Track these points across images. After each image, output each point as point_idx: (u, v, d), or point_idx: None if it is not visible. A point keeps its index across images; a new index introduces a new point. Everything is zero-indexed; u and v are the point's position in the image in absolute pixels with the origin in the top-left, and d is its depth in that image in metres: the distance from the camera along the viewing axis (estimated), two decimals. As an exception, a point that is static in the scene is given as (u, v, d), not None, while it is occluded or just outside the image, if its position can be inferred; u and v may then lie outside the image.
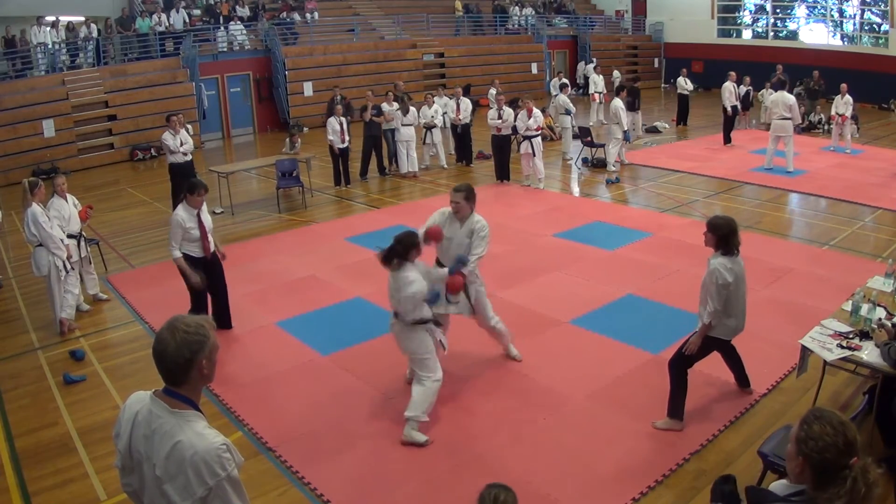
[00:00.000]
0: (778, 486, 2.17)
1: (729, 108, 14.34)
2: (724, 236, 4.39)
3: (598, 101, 17.97)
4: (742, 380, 5.06)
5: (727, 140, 14.56)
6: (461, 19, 24.16)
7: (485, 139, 13.06)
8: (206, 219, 6.18)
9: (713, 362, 5.44)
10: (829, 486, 1.97)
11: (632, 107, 15.12)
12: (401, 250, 4.59)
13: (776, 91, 14.79)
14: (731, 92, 14.22)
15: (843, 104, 13.41)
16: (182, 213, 6.02)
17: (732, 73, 14.75)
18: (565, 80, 15.98)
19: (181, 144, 9.95)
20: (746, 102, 16.64)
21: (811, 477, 2.03)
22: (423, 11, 23.37)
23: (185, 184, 6.08)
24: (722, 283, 4.34)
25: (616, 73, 21.41)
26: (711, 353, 4.70)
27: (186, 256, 6.07)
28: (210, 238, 6.20)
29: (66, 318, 6.66)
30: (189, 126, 11.48)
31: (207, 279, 6.18)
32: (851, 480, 1.93)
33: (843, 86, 13.60)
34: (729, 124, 14.57)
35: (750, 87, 16.34)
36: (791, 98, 12.08)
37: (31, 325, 6.94)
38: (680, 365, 4.62)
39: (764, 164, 12.16)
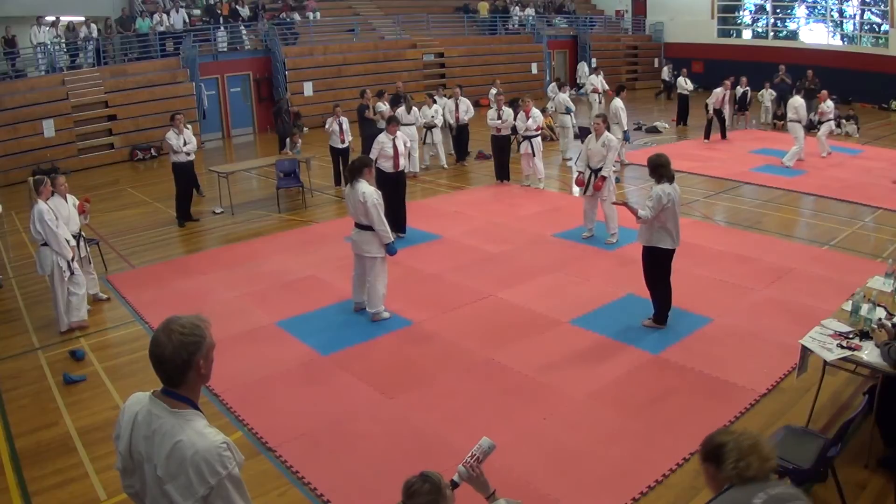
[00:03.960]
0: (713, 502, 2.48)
1: (710, 111, 15.18)
2: (654, 167, 5.68)
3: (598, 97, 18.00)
4: (659, 314, 6.01)
5: (706, 137, 15.41)
6: (484, 20, 24.19)
7: (485, 139, 13.07)
8: (399, 144, 8.76)
9: (713, 362, 5.45)
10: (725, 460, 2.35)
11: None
12: (355, 168, 6.27)
13: (777, 92, 16.00)
14: (717, 98, 15.07)
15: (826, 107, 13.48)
16: (383, 137, 8.69)
17: (727, 82, 15.59)
18: (563, 80, 16.02)
19: (184, 144, 9.95)
20: (744, 103, 16.71)
21: (714, 468, 2.40)
22: (423, 11, 23.38)
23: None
24: (655, 200, 5.59)
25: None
26: (668, 264, 5.84)
27: (378, 171, 8.19)
28: (402, 159, 8.78)
29: (76, 322, 6.64)
30: (189, 126, 11.47)
31: (394, 189, 8.44)
32: (734, 440, 2.36)
33: (824, 92, 13.83)
34: (708, 124, 15.46)
35: (747, 88, 16.42)
36: (797, 101, 12.79)
37: (31, 325, 6.94)
38: (649, 282, 5.95)
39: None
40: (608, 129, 8.50)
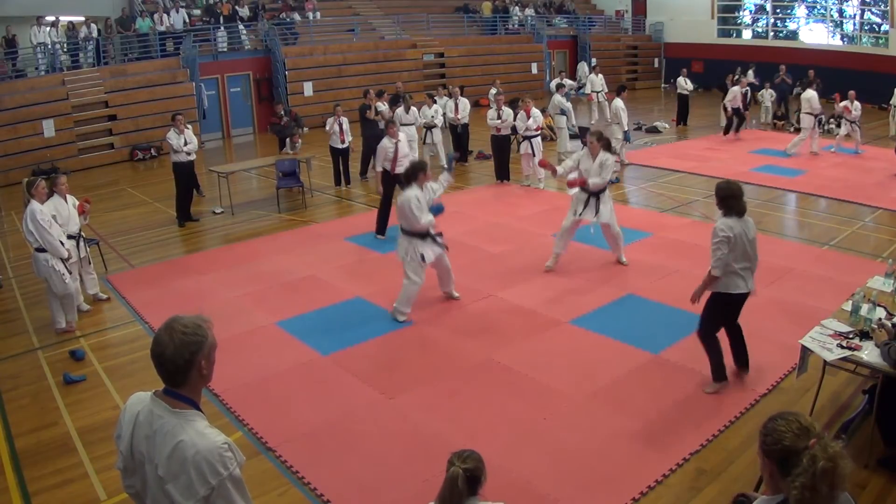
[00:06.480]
0: (760, 500, 2.19)
1: (729, 109, 15.44)
2: (722, 199, 4.84)
3: (594, 100, 18.08)
4: (741, 361, 5.25)
5: (725, 132, 15.68)
6: (483, 20, 24.28)
7: (485, 139, 13.08)
8: (402, 146, 9.06)
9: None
10: (792, 472, 1.99)
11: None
12: (409, 173, 6.38)
13: (777, 92, 16.74)
14: (734, 96, 15.32)
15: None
16: (386, 142, 9.00)
17: (743, 80, 16.03)
18: (562, 81, 16.02)
19: (185, 144, 9.95)
20: (744, 103, 16.74)
21: (778, 472, 2.05)
22: (423, 11, 23.38)
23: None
24: (716, 239, 4.73)
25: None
26: (728, 312, 5.03)
27: (384, 171, 8.96)
28: (399, 163, 8.77)
29: (67, 328, 6.65)
30: (189, 126, 11.49)
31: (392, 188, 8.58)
32: (809, 458, 1.95)
33: (837, 95, 14.10)
34: (728, 122, 15.70)
35: (747, 88, 16.46)
36: (809, 93, 13.52)
37: (31, 325, 6.94)
38: (707, 332, 5.03)
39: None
40: (605, 147, 7.51)
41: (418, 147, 12.88)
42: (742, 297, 4.95)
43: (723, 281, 4.83)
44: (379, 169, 9.21)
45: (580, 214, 7.45)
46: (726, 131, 15.63)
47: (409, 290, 6.44)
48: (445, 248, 6.57)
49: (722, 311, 4.98)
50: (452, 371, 5.56)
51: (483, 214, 9.97)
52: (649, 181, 11.81)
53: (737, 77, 16.95)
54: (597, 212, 7.43)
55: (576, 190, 7.51)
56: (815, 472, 1.92)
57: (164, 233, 9.93)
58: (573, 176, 7.48)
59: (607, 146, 7.48)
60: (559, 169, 7.69)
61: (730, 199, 4.81)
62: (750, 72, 18.93)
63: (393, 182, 8.76)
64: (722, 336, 5.10)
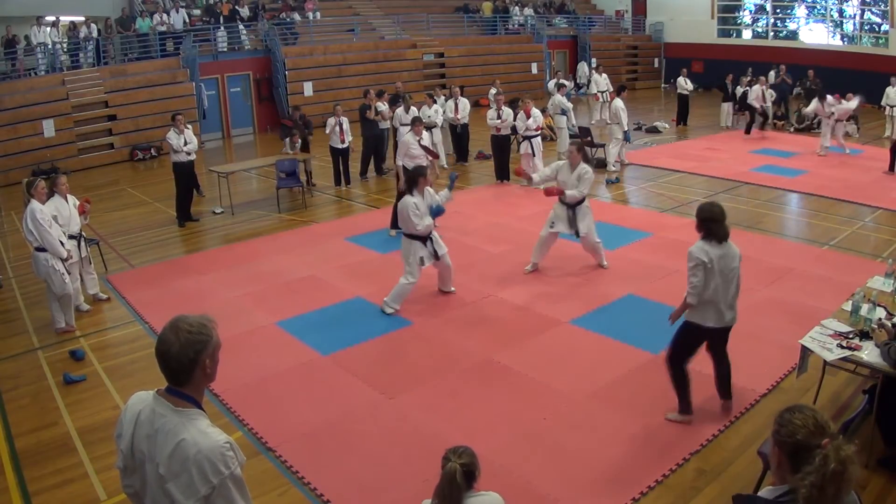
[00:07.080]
0: (766, 491, 2.19)
1: (759, 107, 15.80)
2: (701, 221, 4.49)
3: (600, 100, 18.11)
4: (723, 389, 4.84)
5: (747, 130, 15.96)
6: (483, 20, 24.34)
7: (485, 139, 13.08)
8: (426, 143, 9.21)
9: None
10: (802, 469, 1.98)
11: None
12: (409, 179, 6.57)
13: (777, 92, 16.72)
14: (756, 95, 15.62)
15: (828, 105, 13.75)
16: (410, 138, 9.08)
17: (763, 78, 16.38)
18: (563, 81, 16.02)
19: (185, 144, 9.95)
20: (744, 103, 16.76)
21: (788, 465, 2.06)
22: (423, 11, 23.38)
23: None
24: (691, 264, 4.41)
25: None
26: (701, 344, 4.66)
27: (403, 169, 8.57)
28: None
29: (66, 328, 6.65)
30: (189, 126, 11.49)
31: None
32: (821, 458, 1.94)
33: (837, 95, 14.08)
34: (751, 120, 15.95)
35: (747, 88, 16.51)
36: (814, 104, 14.03)
37: (31, 325, 6.94)
38: (673, 360, 4.66)
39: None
40: (585, 159, 7.39)
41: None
42: (716, 332, 4.55)
43: (697, 310, 4.46)
44: (400, 163, 9.08)
45: (554, 227, 7.37)
46: (748, 130, 15.87)
47: (402, 288, 6.59)
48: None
49: (692, 341, 4.60)
50: (452, 371, 5.56)
51: (483, 214, 9.97)
52: (649, 181, 11.80)
53: (746, 77, 17.01)
54: (575, 228, 7.30)
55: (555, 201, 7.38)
56: (826, 474, 1.92)
57: (164, 233, 9.94)
58: (551, 185, 7.30)
59: (586, 158, 7.56)
60: (535, 177, 7.65)
61: (709, 221, 4.43)
62: (772, 73, 18.93)
63: None
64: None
